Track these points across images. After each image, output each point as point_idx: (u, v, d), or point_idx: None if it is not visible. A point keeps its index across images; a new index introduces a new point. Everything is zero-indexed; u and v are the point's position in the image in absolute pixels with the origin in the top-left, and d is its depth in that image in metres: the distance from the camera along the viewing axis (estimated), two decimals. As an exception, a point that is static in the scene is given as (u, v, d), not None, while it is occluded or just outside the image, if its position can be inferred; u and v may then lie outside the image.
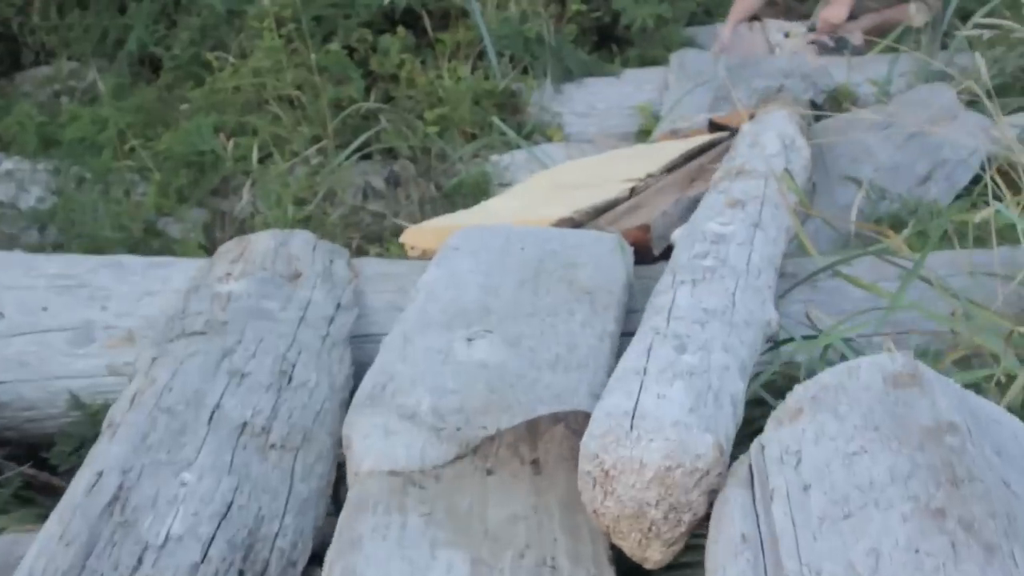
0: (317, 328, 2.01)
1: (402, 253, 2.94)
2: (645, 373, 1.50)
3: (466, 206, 3.84)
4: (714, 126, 4.02)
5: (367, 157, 4.06)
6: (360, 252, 3.68)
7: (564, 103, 4.57)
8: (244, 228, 3.86)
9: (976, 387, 1.85)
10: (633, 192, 2.84)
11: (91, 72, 4.98)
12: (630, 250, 2.23)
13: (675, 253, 2.06)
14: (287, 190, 3.77)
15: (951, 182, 3.44)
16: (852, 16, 5.02)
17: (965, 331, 2.08)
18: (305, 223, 3.72)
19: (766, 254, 2.00)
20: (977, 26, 2.78)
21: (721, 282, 1.80)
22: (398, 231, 3.82)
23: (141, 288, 2.28)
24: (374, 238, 3.77)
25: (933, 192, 3.31)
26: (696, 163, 3.18)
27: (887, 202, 3.09)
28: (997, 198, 2.39)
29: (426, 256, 2.41)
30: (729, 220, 2.06)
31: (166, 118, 4.40)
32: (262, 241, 2.23)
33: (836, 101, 4.40)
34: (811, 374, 1.87)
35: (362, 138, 3.99)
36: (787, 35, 5.27)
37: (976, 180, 3.37)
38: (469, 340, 1.89)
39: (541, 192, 2.98)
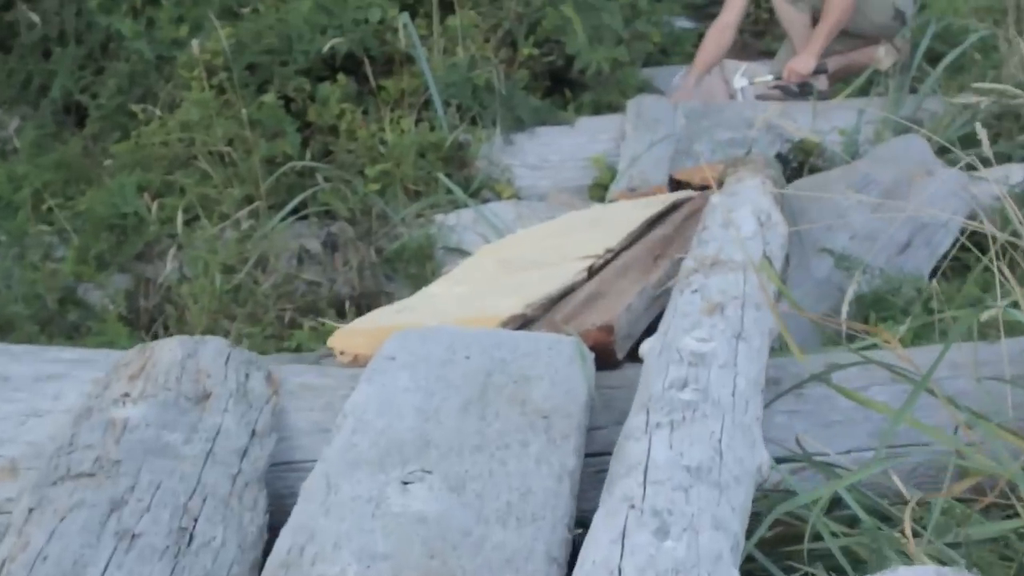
0: (227, 464, 1.72)
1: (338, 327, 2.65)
2: (620, 574, 1.22)
3: (408, 273, 3.58)
4: (675, 183, 3.77)
5: (303, 218, 3.77)
6: (293, 325, 3.41)
7: (515, 155, 4.31)
8: (170, 296, 3.57)
9: (1004, 541, 1.60)
10: (591, 272, 2.57)
11: (13, 121, 4.67)
12: (591, 357, 1.96)
13: (645, 376, 1.78)
14: (215, 256, 3.47)
15: (931, 248, 3.20)
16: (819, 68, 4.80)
17: (973, 454, 1.83)
18: (234, 293, 3.44)
19: (752, 376, 1.73)
20: (975, 91, 2.51)
21: (704, 423, 1.52)
22: (334, 301, 3.56)
23: (27, 407, 1.97)
24: (308, 309, 3.49)
25: (913, 262, 3.07)
26: (659, 232, 2.92)
27: (867, 276, 2.84)
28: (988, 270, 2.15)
29: (358, 362, 2.12)
30: (708, 335, 1.78)
31: (88, 175, 4.09)
32: (167, 352, 1.93)
33: (803, 152, 4.16)
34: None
35: (297, 199, 3.71)
36: (752, 83, 5.03)
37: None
38: (405, 484, 1.60)
39: (488, 274, 2.69)
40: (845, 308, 2.03)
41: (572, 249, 2.74)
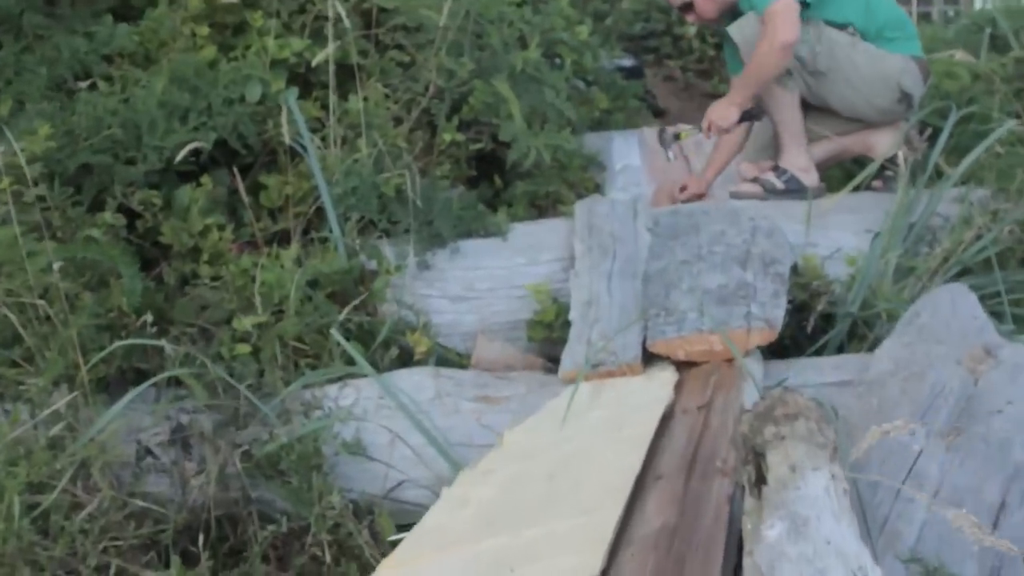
0: None
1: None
2: None
3: (289, 488, 2.61)
4: (648, 354, 2.85)
5: (144, 399, 2.76)
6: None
7: (432, 283, 3.33)
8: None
9: None
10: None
11: None
12: None
13: None
14: (16, 471, 2.45)
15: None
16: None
17: None
18: (42, 523, 2.45)
19: None
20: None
21: None
22: (188, 528, 2.59)
23: None
24: (149, 545, 2.50)
25: (1011, 525, 2.16)
26: (657, 514, 1.97)
27: None
28: None
29: None
30: None
31: None
32: None
33: (807, 292, 3.25)
34: None
35: (142, 387, 2.70)
36: (677, 136, 4.12)
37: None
38: None
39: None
40: None
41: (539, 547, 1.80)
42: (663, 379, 2.65)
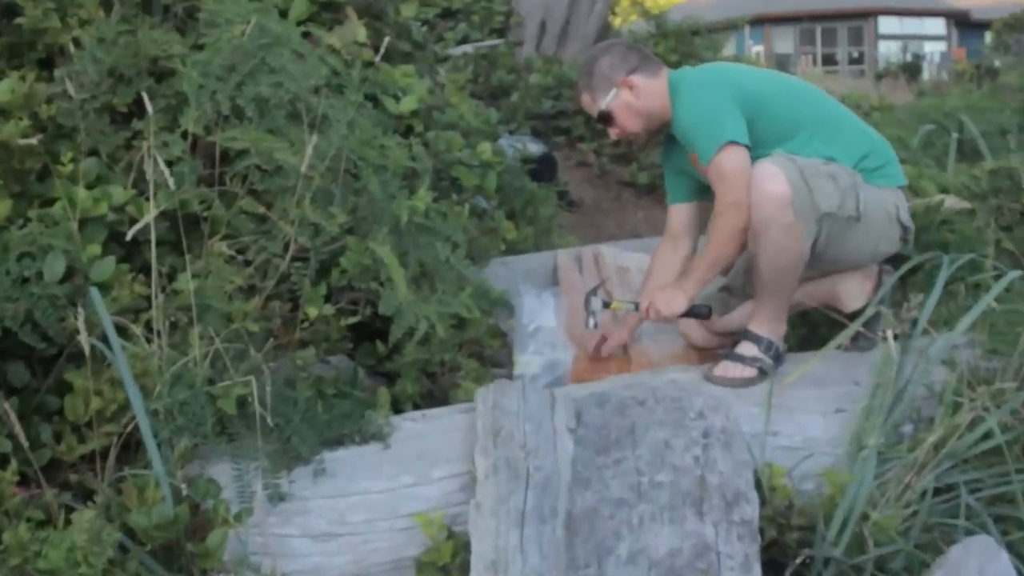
0: None
1: None
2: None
3: None
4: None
5: None
6: None
7: (291, 518, 2.55)
8: None
9: None
10: None
11: None
12: None
13: None
14: None
15: None
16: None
17: None
18: None
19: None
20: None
21: None
22: None
23: None
24: None
25: None
26: None
27: None
28: None
29: None
30: None
31: None
32: None
33: (770, 522, 2.52)
34: None
35: None
36: (607, 305, 3.39)
37: None
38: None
39: None
40: None
41: None
42: None
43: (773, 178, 2.91)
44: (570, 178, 6.54)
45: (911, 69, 23.07)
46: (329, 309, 2.90)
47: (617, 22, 15.36)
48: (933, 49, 30.84)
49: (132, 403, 2.42)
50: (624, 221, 5.93)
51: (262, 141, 2.77)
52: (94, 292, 2.49)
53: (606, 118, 3.26)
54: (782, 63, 28.55)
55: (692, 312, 3.23)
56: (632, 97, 3.22)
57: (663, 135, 3.33)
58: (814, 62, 31.71)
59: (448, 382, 3.28)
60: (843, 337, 2.98)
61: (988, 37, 28.08)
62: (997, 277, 3.17)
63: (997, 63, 14.11)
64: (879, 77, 23.38)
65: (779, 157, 2.98)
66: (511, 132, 6.84)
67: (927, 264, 3.27)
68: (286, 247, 2.86)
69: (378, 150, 2.96)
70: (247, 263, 2.88)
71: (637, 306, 3.28)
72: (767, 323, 3.10)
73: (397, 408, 3.08)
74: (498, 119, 6.29)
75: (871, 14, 32.96)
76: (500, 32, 9.50)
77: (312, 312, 2.86)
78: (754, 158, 3.01)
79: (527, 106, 7.18)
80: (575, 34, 9.55)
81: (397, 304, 2.84)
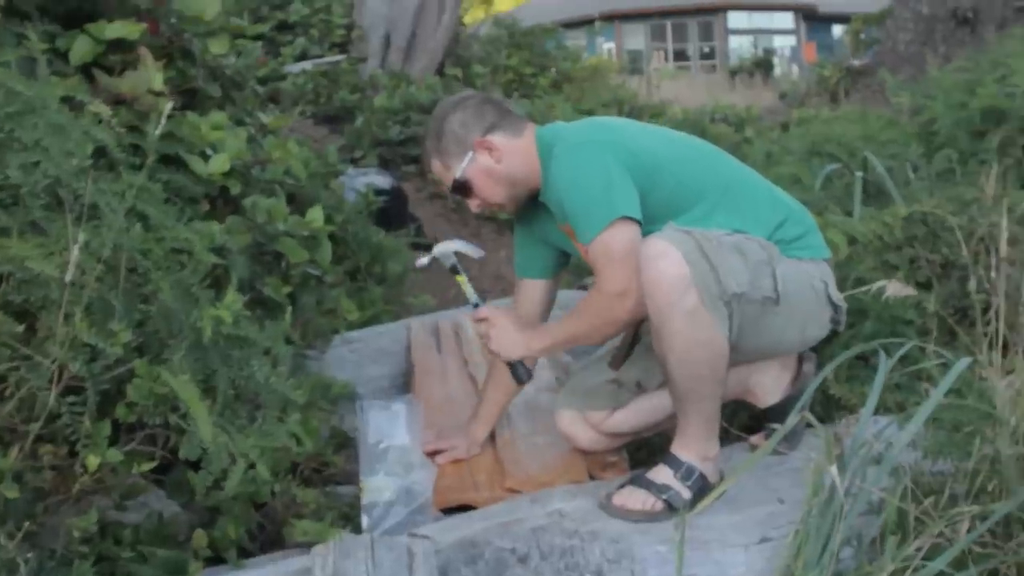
0: None
1: None
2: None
3: None
4: None
5: None
6: None
7: None
8: None
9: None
10: None
11: None
12: None
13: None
14: None
15: None
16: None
17: None
18: None
19: None
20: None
21: None
22: None
23: None
24: None
25: None
26: None
27: None
28: None
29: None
30: None
31: None
32: None
33: None
34: None
35: None
36: (455, 271, 2.80)
37: None
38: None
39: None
40: None
41: None
42: None
43: (665, 256, 2.34)
44: (422, 213, 5.90)
45: (764, 65, 23.02)
46: (116, 455, 2.23)
47: (467, 19, 14.82)
48: (783, 43, 31.07)
49: None
50: (485, 262, 5.33)
51: (6, 247, 2.08)
52: None
53: (462, 188, 2.66)
54: (635, 59, 28.36)
55: (514, 369, 2.73)
56: (491, 161, 2.63)
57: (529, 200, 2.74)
58: (666, 58, 31.64)
59: (282, 514, 2.66)
60: (760, 456, 2.41)
61: (836, 31, 28.28)
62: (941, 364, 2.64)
63: (856, 62, 13.91)
64: (733, 73, 23.28)
65: (671, 231, 2.41)
66: (355, 162, 6.19)
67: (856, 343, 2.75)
68: (55, 377, 2.18)
69: (170, 243, 2.30)
70: (2, 398, 2.20)
71: (477, 306, 2.70)
72: (692, 443, 2.52)
73: (218, 557, 2.46)
74: (339, 147, 5.64)
75: (721, 9, 33.02)
76: (342, 47, 8.85)
77: (92, 462, 2.18)
78: (643, 235, 2.44)
79: (372, 132, 6.51)
80: (422, 48, 8.94)
81: (201, 447, 2.18)
